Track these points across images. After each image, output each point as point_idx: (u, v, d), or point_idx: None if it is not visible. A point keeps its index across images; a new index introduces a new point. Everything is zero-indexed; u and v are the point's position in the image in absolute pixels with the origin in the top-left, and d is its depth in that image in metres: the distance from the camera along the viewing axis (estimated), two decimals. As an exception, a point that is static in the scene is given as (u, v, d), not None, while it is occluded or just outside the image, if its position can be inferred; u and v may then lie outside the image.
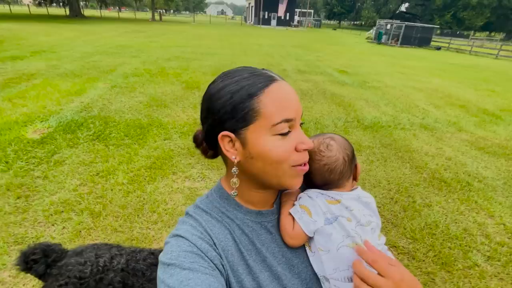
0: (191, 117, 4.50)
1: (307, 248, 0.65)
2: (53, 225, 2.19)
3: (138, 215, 2.36)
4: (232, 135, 0.55)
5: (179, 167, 3.10)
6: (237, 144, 0.56)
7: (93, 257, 1.07)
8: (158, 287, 0.49)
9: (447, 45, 24.68)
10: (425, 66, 12.87)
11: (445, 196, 2.95)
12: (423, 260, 2.12)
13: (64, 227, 2.17)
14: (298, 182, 0.59)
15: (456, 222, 2.56)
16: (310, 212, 0.62)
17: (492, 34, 58.07)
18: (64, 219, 2.25)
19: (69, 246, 1.98)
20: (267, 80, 0.54)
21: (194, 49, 12.29)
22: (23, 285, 1.73)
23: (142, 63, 8.30)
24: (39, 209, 2.32)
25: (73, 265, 1.03)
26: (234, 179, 0.60)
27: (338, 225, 0.60)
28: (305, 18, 47.92)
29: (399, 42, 23.73)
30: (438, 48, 23.79)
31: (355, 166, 0.70)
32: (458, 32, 45.09)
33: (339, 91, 6.82)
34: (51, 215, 2.28)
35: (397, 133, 4.54)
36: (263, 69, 0.59)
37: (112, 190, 2.65)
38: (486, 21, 44.18)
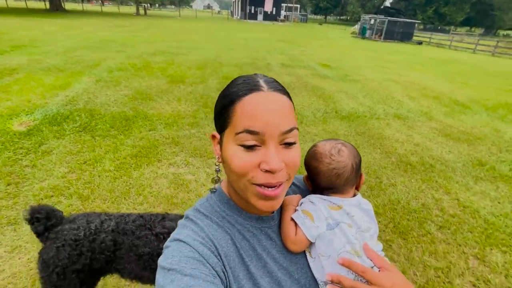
0: (175, 109, 4.65)
1: (307, 254, 0.65)
2: (43, 208, 2.33)
3: (124, 197, 2.53)
4: (218, 136, 0.59)
5: (163, 155, 3.27)
6: (219, 146, 0.59)
7: (84, 223, 1.24)
8: None
9: (428, 40, 25.39)
10: (405, 60, 13.31)
11: (409, 176, 3.24)
12: (383, 231, 2.39)
13: (54, 210, 2.32)
14: (263, 205, 0.54)
15: (416, 199, 2.85)
16: (312, 217, 0.63)
17: (473, 29, 59.82)
18: (54, 203, 2.39)
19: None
20: (249, 89, 0.52)
21: (179, 43, 12.30)
22: (19, 258, 1.88)
23: (126, 58, 8.31)
24: (30, 194, 2.46)
25: (67, 230, 1.20)
26: (216, 177, 0.65)
27: (339, 231, 0.61)
28: (291, 13, 48.05)
29: (382, 37, 24.25)
30: (420, 43, 24.46)
31: (360, 175, 0.71)
32: (439, 27, 46.29)
33: (320, 84, 7.07)
34: (42, 199, 2.42)
35: (372, 122, 4.83)
36: (259, 75, 0.57)
37: (99, 176, 2.80)
38: (466, 17, 45.53)
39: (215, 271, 0.52)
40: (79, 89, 5.16)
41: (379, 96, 6.44)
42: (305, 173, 0.73)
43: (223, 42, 13.95)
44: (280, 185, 0.53)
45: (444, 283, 1.95)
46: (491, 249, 2.28)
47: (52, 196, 2.47)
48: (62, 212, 1.27)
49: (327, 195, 0.67)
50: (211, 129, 4.03)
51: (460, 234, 2.41)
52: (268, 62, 9.55)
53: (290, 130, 0.52)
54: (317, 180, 0.68)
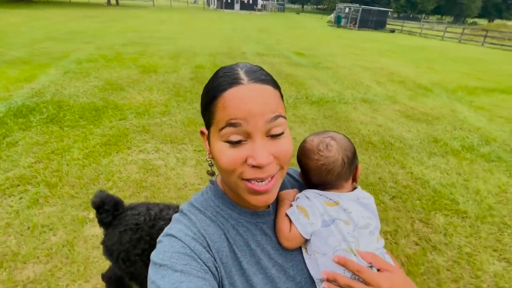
0: (147, 98, 4.65)
1: (303, 251, 0.63)
2: (10, 196, 2.35)
3: (94, 183, 2.58)
4: (206, 132, 0.57)
5: (133, 143, 3.31)
6: (207, 142, 0.57)
7: (145, 210, 1.30)
8: (149, 287, 0.48)
9: (400, 28, 26.12)
10: (377, 47, 13.71)
11: (369, 154, 3.47)
12: (341, 202, 2.59)
13: (21, 197, 2.34)
14: (256, 200, 0.53)
15: (374, 173, 3.08)
16: (307, 213, 0.60)
17: (443, 17, 61.88)
18: (21, 191, 2.41)
19: (27, 212, 2.19)
20: (229, 82, 0.50)
21: (152, 34, 12.05)
22: (-15, 244, 1.92)
23: (97, 49, 8.08)
24: (-5, 184, 2.45)
25: (129, 216, 1.26)
26: (210, 171, 0.63)
27: (335, 228, 0.59)
28: (268, 2, 47.71)
29: (357, 25, 24.69)
30: (392, 31, 25.12)
31: (356, 167, 0.67)
32: (411, 16, 47.62)
33: (293, 72, 7.22)
34: (7, 188, 2.42)
35: (340, 106, 5.04)
36: (240, 65, 0.53)
37: (68, 165, 2.82)
38: (436, 5, 47.03)
39: (207, 266, 0.51)
40: (46, 81, 5.03)
41: (348, 82, 6.68)
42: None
43: (198, 32, 13.77)
44: (271, 178, 0.51)
45: (391, 243, 2.18)
46: (435, 213, 2.53)
47: (18, 185, 2.47)
48: (122, 201, 1.31)
49: (323, 190, 0.64)
50: (183, 117, 4.09)
51: (410, 202, 2.65)
52: (243, 51, 9.57)
53: (275, 118, 0.49)
54: (308, 177, 0.66)
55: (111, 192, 2.47)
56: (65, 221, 2.14)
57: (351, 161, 0.64)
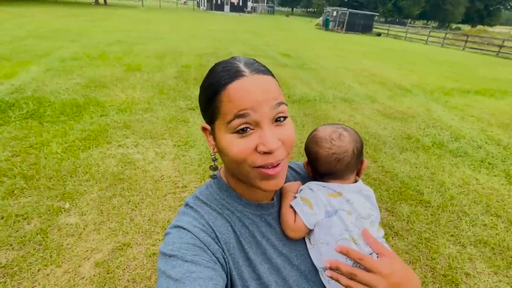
0: (130, 96, 4.68)
1: (307, 241, 0.65)
2: (-15, 188, 2.37)
3: (71, 175, 2.62)
4: (209, 128, 0.58)
5: (113, 138, 3.35)
6: (212, 137, 0.58)
7: None
8: (158, 278, 0.49)
9: (386, 31, 26.75)
10: (361, 50, 14.03)
11: (344, 150, 3.61)
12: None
13: (-4, 189, 2.37)
14: (267, 185, 0.55)
15: (346, 167, 3.21)
16: (311, 204, 0.62)
17: (429, 22, 63.59)
18: (-3, 183, 2.43)
19: (1, 203, 2.22)
20: (232, 76, 0.51)
21: (139, 33, 12.01)
22: (-42, 232, 1.94)
23: (81, 47, 8.03)
24: (-30, 176, 2.47)
25: None
26: (213, 165, 0.65)
27: (338, 219, 0.61)
28: (258, 4, 48.04)
29: (344, 29, 25.15)
30: (378, 35, 25.71)
31: (361, 161, 0.69)
32: (398, 20, 48.81)
33: (278, 72, 7.34)
34: (-17, 180, 2.44)
35: (320, 105, 5.19)
36: (237, 58, 0.55)
37: (46, 158, 2.84)
38: (422, 10, 48.35)
39: (216, 257, 0.53)
40: (27, 78, 5.00)
41: (331, 82, 6.86)
42: (305, 159, 0.72)
43: (186, 33, 13.80)
44: (280, 162, 0.53)
45: (356, 230, 2.30)
46: (401, 203, 2.68)
47: (-6, 177, 2.49)
48: None
49: (327, 182, 0.67)
50: (165, 114, 4.15)
51: (378, 193, 2.79)
52: (230, 51, 9.66)
53: (279, 105, 0.52)
54: (317, 166, 0.68)
55: (88, 184, 2.53)
56: (40, 211, 2.18)
57: (360, 153, 0.67)
